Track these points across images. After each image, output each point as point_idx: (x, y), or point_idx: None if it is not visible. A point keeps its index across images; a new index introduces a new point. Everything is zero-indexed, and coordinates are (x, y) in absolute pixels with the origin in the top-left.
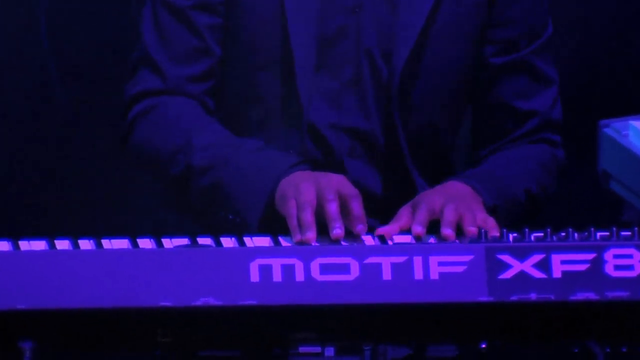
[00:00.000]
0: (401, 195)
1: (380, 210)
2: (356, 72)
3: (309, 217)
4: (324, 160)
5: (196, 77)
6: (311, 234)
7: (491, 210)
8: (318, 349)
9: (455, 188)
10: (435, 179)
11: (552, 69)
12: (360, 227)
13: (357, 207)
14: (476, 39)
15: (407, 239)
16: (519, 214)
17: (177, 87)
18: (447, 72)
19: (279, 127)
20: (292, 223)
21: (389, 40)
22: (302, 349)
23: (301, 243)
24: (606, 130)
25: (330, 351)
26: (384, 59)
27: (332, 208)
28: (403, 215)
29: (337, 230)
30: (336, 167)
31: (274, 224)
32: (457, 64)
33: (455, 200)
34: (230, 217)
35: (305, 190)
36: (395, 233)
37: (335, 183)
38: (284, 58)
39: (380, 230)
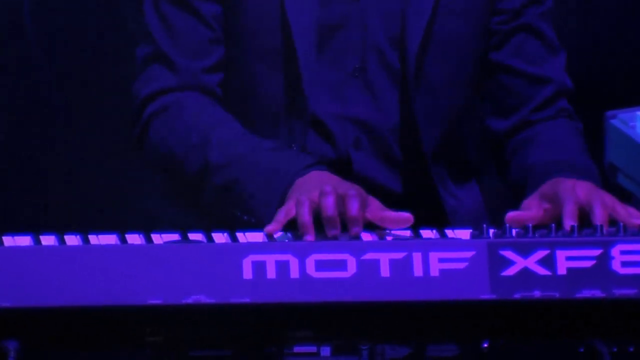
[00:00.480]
0: (417, 190)
1: (394, 206)
2: (362, 62)
3: (305, 216)
4: (329, 152)
5: (211, 68)
6: (309, 236)
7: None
8: (314, 349)
9: (585, 184)
10: (452, 169)
11: (556, 38)
12: (355, 230)
13: (353, 207)
14: (485, 12)
15: (406, 233)
16: None
17: (192, 81)
18: (461, 49)
19: (279, 118)
20: (297, 222)
21: (397, 25)
22: (297, 349)
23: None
24: (613, 121)
25: (326, 351)
26: (393, 45)
27: (327, 202)
28: (532, 206)
29: (331, 231)
30: (342, 159)
31: (290, 224)
32: (470, 40)
33: (599, 195)
34: (245, 218)
35: (309, 189)
36: (526, 222)
37: (338, 181)
38: (285, 48)
39: (511, 215)
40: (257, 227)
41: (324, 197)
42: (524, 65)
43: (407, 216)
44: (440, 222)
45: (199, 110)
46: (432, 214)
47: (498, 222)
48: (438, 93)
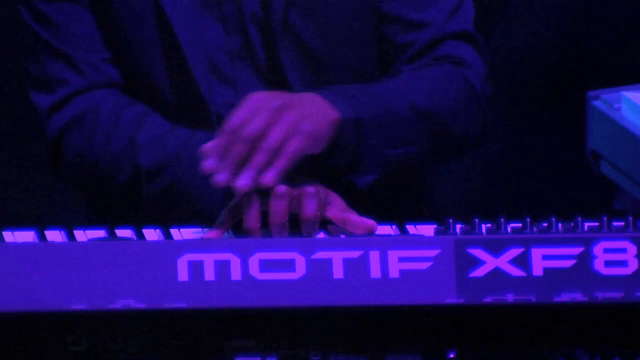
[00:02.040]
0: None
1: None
2: (245, 40)
3: (252, 221)
4: None
5: (110, 59)
6: (252, 224)
7: (354, 124)
8: (258, 359)
9: (302, 98)
10: None
11: None
12: (308, 231)
13: (309, 207)
14: None
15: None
16: (408, 135)
17: (96, 77)
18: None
19: (182, 120)
20: (243, 226)
21: None
22: (239, 359)
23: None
24: (595, 103)
25: None
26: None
27: (278, 206)
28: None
29: (242, 181)
30: None
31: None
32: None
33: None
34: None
35: None
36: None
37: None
38: (168, 44)
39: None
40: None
41: (276, 200)
42: (401, 10)
43: (370, 223)
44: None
45: (116, 111)
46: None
47: (466, 215)
48: (319, 56)
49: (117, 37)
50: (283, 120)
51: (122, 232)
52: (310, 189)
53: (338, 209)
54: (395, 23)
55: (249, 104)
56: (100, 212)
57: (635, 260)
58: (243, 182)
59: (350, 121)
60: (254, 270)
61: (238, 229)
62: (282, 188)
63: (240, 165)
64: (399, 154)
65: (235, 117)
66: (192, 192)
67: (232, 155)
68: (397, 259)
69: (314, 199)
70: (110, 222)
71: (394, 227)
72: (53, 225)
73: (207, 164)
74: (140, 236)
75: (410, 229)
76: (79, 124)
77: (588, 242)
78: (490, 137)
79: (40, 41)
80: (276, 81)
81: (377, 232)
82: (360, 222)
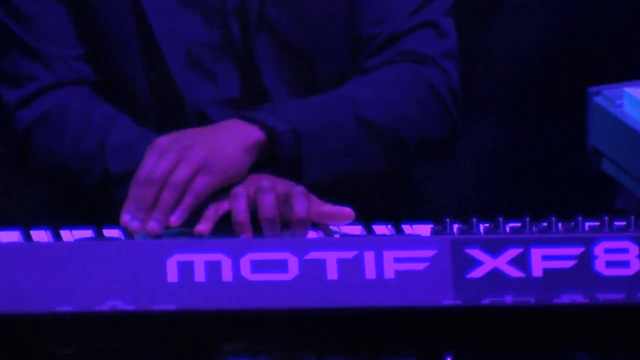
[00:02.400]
0: None
1: None
2: (225, 33)
3: (241, 213)
4: None
5: (83, 57)
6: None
7: (291, 137)
8: None
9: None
10: None
11: None
12: (301, 232)
13: (301, 207)
14: None
15: (356, 229)
16: (355, 145)
17: (66, 74)
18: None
19: (161, 118)
20: (232, 219)
21: None
22: None
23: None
24: (596, 99)
25: None
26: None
27: (267, 200)
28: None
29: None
30: None
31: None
32: None
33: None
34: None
35: (243, 184)
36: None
37: (272, 177)
38: (145, 38)
39: None
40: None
41: (263, 194)
42: (368, 1)
43: (347, 211)
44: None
45: (86, 111)
46: None
47: (463, 214)
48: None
49: (93, 32)
50: (189, 158)
51: (109, 232)
52: (299, 188)
53: (314, 205)
54: (361, 15)
55: (155, 149)
56: (66, 210)
57: (637, 261)
58: (152, 225)
59: (285, 135)
60: (246, 271)
61: (228, 227)
62: (266, 182)
63: (152, 208)
64: (347, 164)
65: (144, 166)
66: None
67: (144, 201)
68: (393, 260)
69: (304, 198)
70: (73, 221)
71: (389, 226)
72: (39, 225)
73: (124, 219)
74: (129, 236)
75: (406, 228)
76: (47, 121)
77: (589, 242)
78: (459, 137)
79: (10, 35)
80: (254, 77)
81: (372, 232)
82: (338, 211)
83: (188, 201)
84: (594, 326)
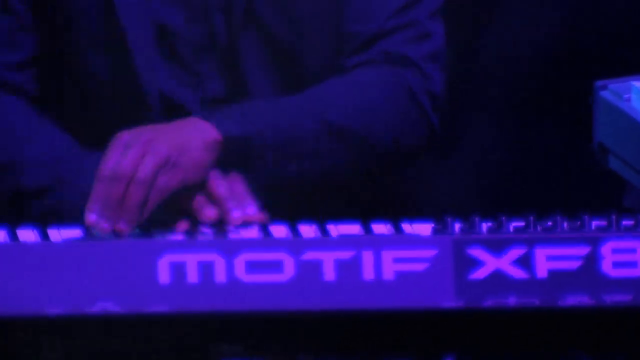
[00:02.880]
0: None
1: None
2: (209, 32)
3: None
4: None
5: (21, 64)
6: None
7: (242, 142)
8: None
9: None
10: None
11: None
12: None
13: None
14: None
15: (354, 228)
16: (319, 150)
17: None
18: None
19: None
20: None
21: None
22: None
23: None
24: (603, 93)
25: None
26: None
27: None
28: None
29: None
30: None
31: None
32: None
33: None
34: None
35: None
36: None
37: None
38: (111, 28)
39: None
40: None
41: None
42: (347, 0)
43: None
44: None
45: (7, 118)
46: None
47: (465, 213)
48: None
49: (59, 34)
50: (153, 152)
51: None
52: (245, 193)
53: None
54: (345, 12)
55: (118, 144)
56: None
57: None
58: (122, 226)
59: (236, 140)
60: (240, 271)
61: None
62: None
63: (120, 204)
64: (308, 168)
65: (107, 161)
66: (77, 215)
67: (110, 199)
68: (392, 260)
69: (252, 199)
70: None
71: (388, 225)
72: (25, 224)
73: (89, 219)
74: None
75: (406, 227)
76: None
77: (595, 242)
78: (437, 140)
79: None
80: (238, 74)
81: (371, 232)
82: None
83: (154, 198)
84: (600, 329)
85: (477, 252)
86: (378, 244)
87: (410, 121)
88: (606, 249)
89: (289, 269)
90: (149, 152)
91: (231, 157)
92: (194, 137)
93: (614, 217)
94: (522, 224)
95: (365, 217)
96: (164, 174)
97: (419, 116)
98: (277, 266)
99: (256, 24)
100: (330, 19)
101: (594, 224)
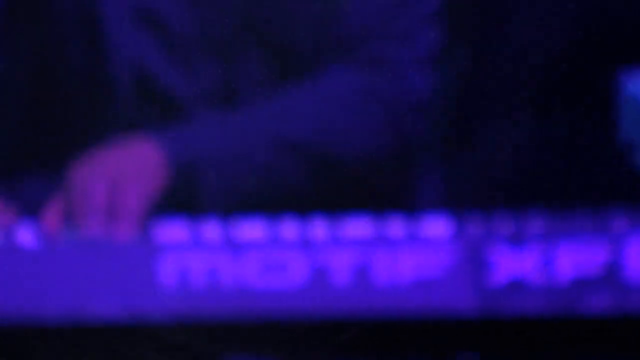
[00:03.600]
0: None
1: None
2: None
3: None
4: None
5: None
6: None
7: (185, 164)
8: None
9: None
10: None
11: None
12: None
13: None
14: None
15: (367, 230)
16: (273, 166)
17: None
18: None
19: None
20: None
21: None
22: None
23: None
24: (630, 89)
25: None
26: None
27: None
28: None
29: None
30: None
31: None
32: None
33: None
34: None
35: None
36: None
37: None
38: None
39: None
40: None
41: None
42: (338, 4)
43: None
44: None
45: None
46: None
47: (485, 213)
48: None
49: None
50: (117, 177)
51: None
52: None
53: None
54: (335, 16)
55: (84, 168)
56: None
57: None
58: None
59: (180, 167)
60: (248, 275)
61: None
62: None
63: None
64: (259, 183)
65: (74, 182)
66: None
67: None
68: (408, 264)
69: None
70: None
71: (404, 223)
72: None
73: (46, 224)
74: None
75: (423, 227)
76: None
77: (619, 243)
78: (414, 144)
79: None
80: (233, 72)
81: (386, 233)
82: None
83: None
84: (623, 335)
85: (495, 256)
86: (393, 247)
87: (378, 130)
88: (631, 251)
89: (301, 272)
90: (115, 177)
91: (175, 177)
92: (144, 156)
93: None
94: (542, 224)
95: (380, 213)
96: (131, 191)
97: (389, 125)
98: (287, 269)
99: (243, 15)
100: (324, 22)
101: (618, 224)
